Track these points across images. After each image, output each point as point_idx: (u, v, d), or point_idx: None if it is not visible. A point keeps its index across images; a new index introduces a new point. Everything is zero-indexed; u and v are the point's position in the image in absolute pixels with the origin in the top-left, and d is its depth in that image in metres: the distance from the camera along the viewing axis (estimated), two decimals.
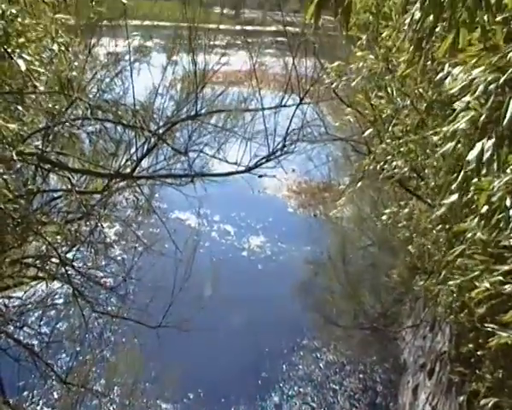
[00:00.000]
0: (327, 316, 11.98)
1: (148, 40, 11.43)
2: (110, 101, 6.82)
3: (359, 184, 7.67)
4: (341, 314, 12.01)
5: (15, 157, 4.67)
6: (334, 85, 8.02)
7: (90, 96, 7.51)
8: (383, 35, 6.25)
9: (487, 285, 4.45)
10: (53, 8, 4.54)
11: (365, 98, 7.54)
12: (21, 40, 4.11)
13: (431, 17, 2.74)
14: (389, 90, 6.92)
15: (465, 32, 2.67)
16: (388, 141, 7.04)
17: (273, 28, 13.03)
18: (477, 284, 4.60)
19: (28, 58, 4.12)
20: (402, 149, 6.77)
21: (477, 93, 2.86)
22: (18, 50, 4.09)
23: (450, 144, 3.30)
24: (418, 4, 2.81)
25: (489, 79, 2.76)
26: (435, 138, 5.24)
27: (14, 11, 3.91)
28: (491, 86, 2.73)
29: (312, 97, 8.57)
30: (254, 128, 8.06)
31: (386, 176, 7.01)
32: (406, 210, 7.46)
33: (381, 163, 7.02)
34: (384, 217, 7.84)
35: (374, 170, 7.56)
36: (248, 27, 19.73)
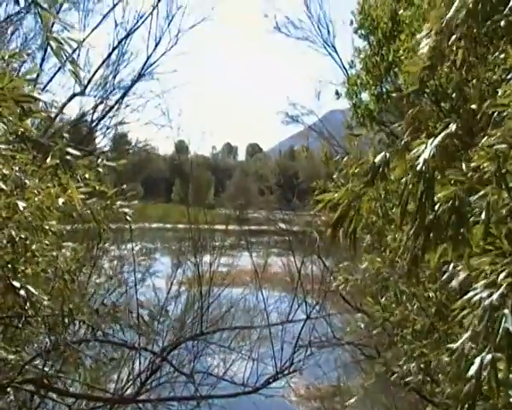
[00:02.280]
0: None
1: (152, 245, 11.64)
2: (113, 319, 6.78)
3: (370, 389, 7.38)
4: None
5: (10, 389, 4.55)
6: (340, 288, 7.96)
7: (93, 307, 7.48)
8: (388, 238, 6.28)
9: None
10: (60, 237, 4.60)
11: (374, 301, 7.44)
12: (27, 271, 4.10)
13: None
14: (397, 292, 6.81)
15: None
16: (399, 345, 6.79)
17: (278, 226, 13.26)
18: None
19: (33, 291, 4.02)
20: (414, 354, 6.48)
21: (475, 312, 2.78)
22: (23, 281, 4.03)
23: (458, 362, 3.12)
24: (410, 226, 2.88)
25: (484, 295, 2.69)
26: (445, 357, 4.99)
27: (23, 236, 3.91)
28: (486, 303, 2.65)
29: (319, 298, 8.55)
30: (261, 340, 8.01)
31: (398, 381, 6.69)
32: None
33: (392, 367, 6.74)
34: None
35: (385, 374, 7.27)
36: (253, 227, 20.17)
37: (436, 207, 2.73)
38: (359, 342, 9.10)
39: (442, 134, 2.81)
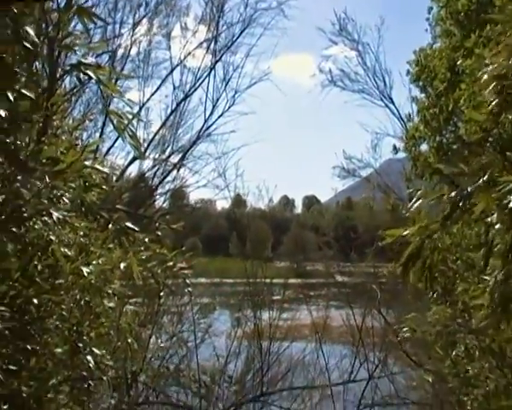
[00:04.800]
0: None
1: (211, 300, 11.69)
2: (176, 382, 6.86)
3: None
4: None
5: None
6: (404, 342, 7.72)
7: (155, 369, 7.54)
8: (459, 289, 6.05)
9: None
10: (122, 299, 4.73)
11: (442, 356, 7.13)
12: (92, 333, 4.22)
13: None
14: (468, 347, 6.49)
15: None
16: (469, 405, 6.40)
17: (336, 279, 13.11)
18: None
19: (98, 352, 4.18)
20: None
21: None
22: (88, 342, 4.19)
23: None
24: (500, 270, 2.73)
25: None
26: None
27: (87, 299, 4.04)
28: None
29: (380, 354, 8.32)
30: (322, 397, 7.78)
31: None
32: None
33: None
34: None
35: None
36: (311, 280, 19.99)
37: None
38: (425, 400, 8.76)
39: None
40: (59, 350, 4.02)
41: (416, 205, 3.46)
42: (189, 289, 4.37)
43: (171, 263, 4.10)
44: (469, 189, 2.92)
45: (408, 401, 8.76)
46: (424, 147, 12.48)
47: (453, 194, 2.97)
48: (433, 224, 3.13)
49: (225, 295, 15.18)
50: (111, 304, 4.34)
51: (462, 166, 3.16)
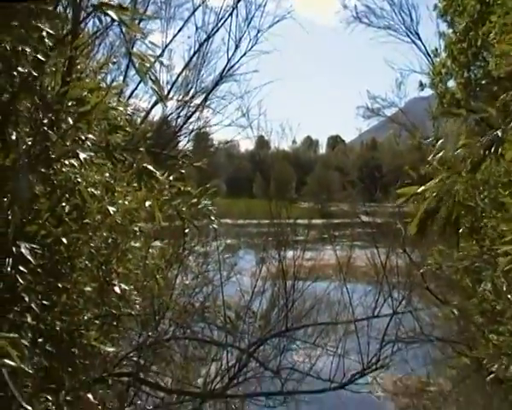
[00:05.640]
0: None
1: (236, 241, 11.81)
2: (201, 316, 7.04)
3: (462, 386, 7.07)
4: None
5: (112, 378, 4.81)
6: (427, 281, 7.75)
7: (182, 306, 7.73)
8: (489, 225, 6.02)
9: None
10: (148, 237, 4.84)
11: (468, 293, 7.15)
12: (119, 270, 4.34)
13: None
14: (496, 283, 6.48)
15: None
16: (495, 341, 6.45)
17: (361, 219, 13.10)
18: None
19: (125, 287, 4.31)
20: None
21: None
22: (116, 277, 4.32)
23: None
24: None
25: None
26: None
27: (114, 237, 4.14)
28: None
29: (404, 295, 8.38)
30: (347, 334, 7.91)
31: (495, 380, 6.38)
32: None
33: (488, 365, 6.42)
34: None
35: (478, 371, 6.95)
36: (335, 220, 20.00)
37: None
38: (450, 338, 8.84)
39: None
40: (88, 289, 4.14)
41: (439, 155, 3.37)
42: (215, 225, 4.41)
43: (195, 200, 4.15)
44: (500, 133, 2.82)
45: (432, 338, 8.84)
46: (451, 83, 12.20)
47: (484, 139, 2.88)
48: (455, 175, 3.06)
49: (250, 236, 15.31)
50: (137, 244, 4.44)
51: (491, 103, 3.06)
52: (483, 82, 10.46)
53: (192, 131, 12.75)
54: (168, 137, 12.41)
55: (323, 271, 12.76)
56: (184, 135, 12.83)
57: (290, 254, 8.83)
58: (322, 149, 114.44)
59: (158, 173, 3.77)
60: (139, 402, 7.33)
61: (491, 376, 6.32)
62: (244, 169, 69.86)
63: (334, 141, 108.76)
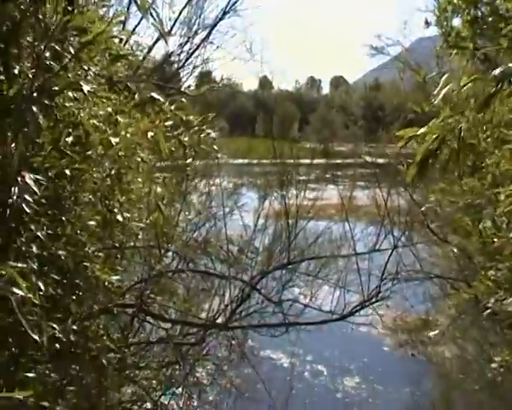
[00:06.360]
0: None
1: (238, 180, 11.82)
2: (204, 250, 7.13)
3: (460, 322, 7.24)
4: None
5: (116, 309, 4.90)
6: (427, 219, 7.80)
7: (185, 240, 7.81)
8: (489, 162, 6.00)
9: None
10: (151, 164, 4.85)
11: (468, 231, 7.21)
12: (122, 199, 4.36)
13: None
14: (496, 220, 6.53)
15: None
16: (493, 277, 6.55)
17: (363, 160, 13.11)
18: None
19: (127, 215, 4.35)
20: (510, 286, 6.24)
21: None
22: (119, 207, 4.35)
23: None
24: None
25: None
26: None
27: (117, 169, 4.15)
28: None
29: (406, 230, 8.46)
30: (348, 268, 8.04)
31: (491, 315, 6.52)
32: None
33: (484, 301, 6.55)
34: (494, 365, 7.12)
35: (475, 307, 7.08)
36: (338, 160, 19.98)
37: None
38: (449, 275, 8.98)
39: None
40: (92, 223, 4.18)
41: (444, 91, 3.28)
42: (218, 155, 4.41)
43: (196, 128, 4.14)
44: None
45: (432, 276, 8.98)
46: (457, 21, 11.94)
47: (497, 71, 2.81)
48: (459, 114, 3.01)
49: (252, 175, 15.33)
50: (140, 177, 4.44)
51: (499, 41, 2.99)
52: (490, 19, 10.24)
53: (195, 67, 12.58)
54: (170, 74, 12.27)
55: (325, 210, 12.85)
56: (187, 72, 12.67)
57: (292, 193, 8.85)
58: (326, 90, 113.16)
59: (161, 100, 3.74)
60: (143, 335, 7.54)
61: (488, 311, 6.46)
62: (247, 108, 69.34)
63: (338, 81, 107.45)
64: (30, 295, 2.80)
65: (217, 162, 7.00)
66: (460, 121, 3.03)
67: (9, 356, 3.50)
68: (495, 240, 6.40)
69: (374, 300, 7.45)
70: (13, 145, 3.25)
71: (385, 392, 14.13)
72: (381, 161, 11.99)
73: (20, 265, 2.80)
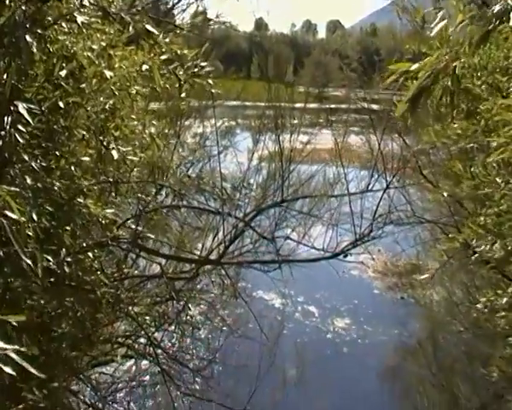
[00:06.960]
0: (418, 407, 11.14)
1: (233, 122, 11.72)
2: (198, 187, 7.10)
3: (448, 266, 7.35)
4: (433, 406, 11.13)
5: (110, 243, 4.93)
6: (420, 164, 7.81)
7: (179, 177, 7.82)
8: (483, 108, 5.97)
9: None
10: (145, 98, 4.79)
11: (457, 178, 7.24)
12: (117, 134, 4.32)
13: None
14: (487, 167, 6.55)
15: None
16: (481, 222, 6.62)
17: (357, 105, 12.99)
18: None
19: (122, 149, 4.30)
20: (497, 230, 6.31)
21: None
22: (113, 142, 4.30)
23: None
24: None
25: None
26: None
27: (111, 102, 4.09)
28: None
29: (399, 176, 8.48)
30: (341, 209, 8.08)
31: (478, 259, 6.63)
32: (505, 300, 6.86)
33: (473, 246, 6.65)
34: (479, 305, 7.27)
35: (464, 252, 7.18)
36: (332, 105, 19.75)
37: None
38: (439, 220, 9.04)
39: None
40: (86, 159, 4.16)
41: (440, 26, 3.19)
42: (212, 90, 4.34)
43: (190, 63, 4.08)
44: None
45: (423, 220, 9.04)
46: None
47: (496, 8, 2.73)
48: (452, 52, 2.93)
49: (246, 118, 15.22)
50: (134, 113, 4.40)
51: None
52: None
53: (190, 4, 12.29)
54: (163, 11, 12.01)
55: (319, 155, 12.82)
56: (181, 8, 12.39)
57: (286, 136, 8.80)
58: (322, 34, 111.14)
59: (156, 32, 3.68)
60: (136, 272, 7.61)
61: (476, 255, 6.57)
62: (242, 50, 68.17)
63: (334, 25, 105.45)
64: (23, 219, 2.76)
65: (211, 103, 6.89)
66: (455, 57, 2.95)
67: (4, 284, 3.54)
68: (485, 186, 6.46)
69: (366, 239, 7.52)
70: (5, 76, 3.20)
71: (374, 333, 14.51)
72: (375, 107, 11.89)
73: (13, 188, 2.75)
